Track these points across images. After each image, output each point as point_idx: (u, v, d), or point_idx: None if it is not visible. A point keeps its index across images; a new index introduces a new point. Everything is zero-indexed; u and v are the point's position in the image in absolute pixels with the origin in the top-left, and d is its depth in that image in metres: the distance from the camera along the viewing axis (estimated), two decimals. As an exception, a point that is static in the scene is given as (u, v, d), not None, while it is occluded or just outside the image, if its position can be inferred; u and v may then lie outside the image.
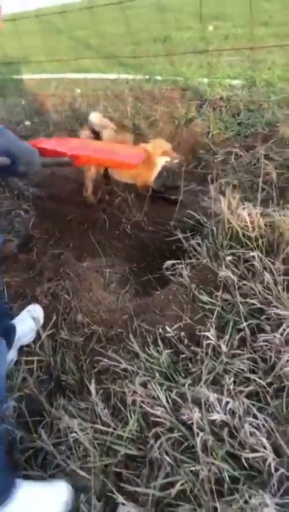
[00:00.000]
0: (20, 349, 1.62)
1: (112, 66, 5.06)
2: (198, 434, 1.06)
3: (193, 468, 1.04)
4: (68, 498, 1.15)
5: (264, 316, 1.35)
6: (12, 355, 1.59)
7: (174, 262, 1.61)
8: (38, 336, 1.60)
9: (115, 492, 1.05)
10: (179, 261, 1.65)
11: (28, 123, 3.78)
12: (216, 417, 1.07)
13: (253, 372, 1.23)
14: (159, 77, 3.75)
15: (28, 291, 1.84)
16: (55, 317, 1.66)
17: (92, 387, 1.30)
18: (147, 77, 3.86)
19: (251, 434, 1.04)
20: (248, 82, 3.13)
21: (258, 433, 1.02)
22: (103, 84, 3.97)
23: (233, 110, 2.71)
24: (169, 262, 1.61)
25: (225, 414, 1.08)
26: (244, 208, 1.66)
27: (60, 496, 1.15)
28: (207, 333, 1.28)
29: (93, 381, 1.33)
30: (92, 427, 1.23)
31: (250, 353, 1.27)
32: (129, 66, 4.93)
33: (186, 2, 8.70)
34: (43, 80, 4.86)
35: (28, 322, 1.66)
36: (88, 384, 1.34)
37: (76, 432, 1.19)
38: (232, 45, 4.94)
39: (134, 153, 1.72)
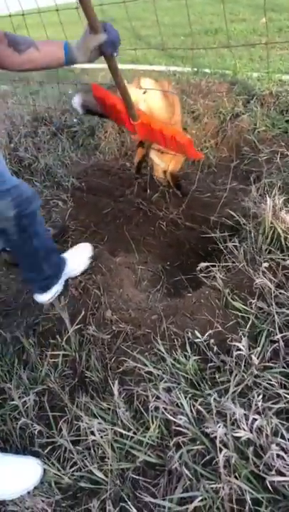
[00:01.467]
0: (66, 282, 1.80)
1: (162, 57, 4.98)
2: (221, 450, 1.01)
3: (213, 486, 0.99)
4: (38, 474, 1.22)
5: (300, 329, 1.27)
6: (59, 287, 1.75)
7: (208, 264, 1.55)
8: (65, 329, 1.58)
9: (129, 504, 1.02)
10: (214, 263, 1.58)
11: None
12: (242, 433, 1.01)
13: (284, 387, 1.15)
14: (207, 70, 3.64)
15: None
16: (83, 312, 1.64)
17: (115, 388, 1.27)
18: (195, 69, 3.76)
19: (278, 456, 0.97)
20: (300, 78, 2.99)
21: (285, 456, 0.95)
22: (150, 76, 3.91)
23: (281, 106, 2.58)
24: (203, 264, 1.55)
25: (251, 431, 1.01)
26: (288, 211, 1.57)
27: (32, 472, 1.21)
28: (238, 344, 1.21)
29: (117, 381, 1.30)
30: (112, 429, 1.21)
31: (283, 367, 1.19)
32: (178, 58, 4.83)
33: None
34: (91, 69, 4.85)
35: (77, 257, 1.84)
36: (112, 384, 1.31)
37: (94, 435, 1.16)
38: (285, 37, 4.74)
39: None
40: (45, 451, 1.26)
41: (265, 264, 1.41)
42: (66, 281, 1.80)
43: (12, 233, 1.46)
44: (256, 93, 2.78)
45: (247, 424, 1.03)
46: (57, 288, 1.74)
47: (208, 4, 7.59)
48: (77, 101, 1.90)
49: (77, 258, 1.85)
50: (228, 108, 2.71)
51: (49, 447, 1.27)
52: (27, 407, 1.37)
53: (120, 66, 1.41)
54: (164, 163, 2.09)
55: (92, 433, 1.19)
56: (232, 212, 1.83)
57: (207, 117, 2.71)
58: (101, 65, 1.63)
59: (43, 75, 4.24)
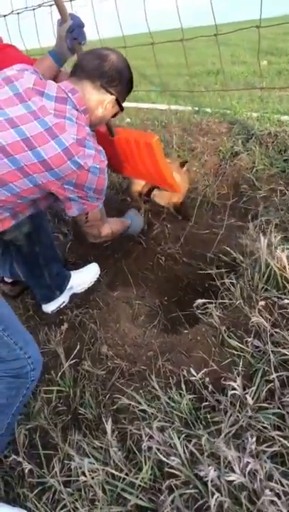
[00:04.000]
0: (72, 297, 1.94)
1: (164, 96, 5.15)
2: (213, 494, 0.98)
3: (205, 533, 0.96)
4: None
5: (296, 369, 1.25)
6: (64, 298, 1.88)
7: (205, 301, 1.55)
8: (61, 364, 1.57)
9: None
10: (211, 300, 1.58)
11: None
12: (234, 477, 0.98)
13: (279, 429, 1.13)
14: (208, 110, 3.76)
15: (55, 317, 1.84)
16: (79, 346, 1.64)
17: (108, 427, 1.24)
18: (196, 108, 3.88)
19: (272, 502, 0.95)
20: (298, 119, 3.07)
21: (279, 502, 0.93)
22: (152, 115, 4.02)
23: (280, 146, 2.65)
24: (199, 301, 1.55)
25: (244, 476, 0.99)
26: (284, 250, 1.58)
27: None
28: (233, 383, 1.20)
29: (110, 420, 1.28)
30: (104, 469, 1.18)
31: (278, 408, 1.18)
32: (180, 97, 4.99)
33: (244, 37, 8.85)
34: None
35: (83, 275, 1.95)
36: (105, 422, 1.29)
37: (86, 476, 1.13)
38: (285, 80, 4.92)
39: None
40: (35, 492, 1.23)
41: (262, 303, 1.41)
42: (71, 297, 1.93)
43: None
44: (255, 133, 2.85)
45: (240, 467, 1.01)
46: (62, 299, 1.85)
47: (211, 47, 7.91)
48: None
49: (84, 275, 1.95)
50: (227, 147, 2.78)
51: (39, 487, 1.24)
52: (18, 444, 1.34)
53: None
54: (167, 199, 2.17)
55: (84, 474, 1.16)
56: (229, 249, 1.85)
57: (207, 155, 2.77)
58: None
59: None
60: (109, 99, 1.37)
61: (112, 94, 1.36)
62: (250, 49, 7.59)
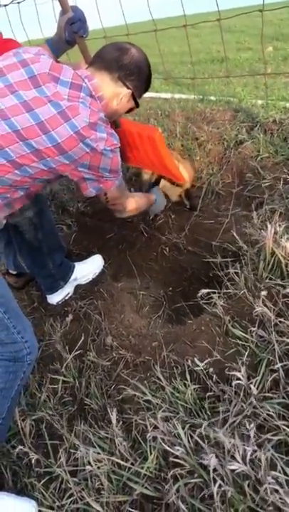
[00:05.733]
0: (76, 288, 1.95)
1: (168, 85, 5.09)
2: (215, 483, 0.98)
3: (210, 521, 0.97)
4: None
5: (301, 358, 1.25)
6: (68, 290, 1.90)
7: (209, 291, 1.54)
8: (65, 356, 1.58)
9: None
10: (215, 290, 1.58)
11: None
12: (236, 466, 0.98)
13: (283, 418, 1.13)
14: (212, 98, 3.71)
15: (60, 308, 1.84)
16: (84, 337, 1.64)
17: (114, 417, 1.25)
18: (201, 97, 3.83)
19: (275, 490, 0.95)
20: (304, 105, 3.02)
21: (281, 491, 0.93)
22: (156, 104, 3.98)
23: (285, 133, 2.61)
24: (203, 291, 1.54)
25: (246, 464, 0.99)
26: (288, 239, 1.57)
27: None
28: (237, 373, 1.20)
29: (115, 410, 1.28)
30: (109, 459, 1.19)
31: (283, 398, 1.17)
32: (184, 85, 4.94)
33: (250, 24, 8.70)
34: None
35: (88, 266, 1.96)
36: (110, 412, 1.29)
37: (92, 465, 1.14)
38: (290, 66, 4.84)
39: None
40: (42, 482, 1.24)
41: (264, 292, 1.40)
42: (75, 288, 1.95)
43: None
44: (260, 120, 2.81)
45: (244, 455, 1.01)
46: (67, 291, 1.87)
47: (216, 33, 7.78)
48: None
49: (88, 266, 1.96)
50: (231, 135, 2.75)
51: (47, 477, 1.26)
52: (25, 435, 1.36)
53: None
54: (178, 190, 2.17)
55: (90, 463, 1.17)
56: (234, 239, 1.83)
57: (211, 144, 2.74)
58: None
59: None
60: (125, 92, 1.36)
61: (128, 88, 1.35)
62: (256, 35, 7.46)
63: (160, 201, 1.97)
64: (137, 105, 1.45)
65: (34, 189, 1.38)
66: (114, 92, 1.34)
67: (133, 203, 1.63)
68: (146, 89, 1.46)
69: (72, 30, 1.45)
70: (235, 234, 1.91)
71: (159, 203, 1.95)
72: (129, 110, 1.47)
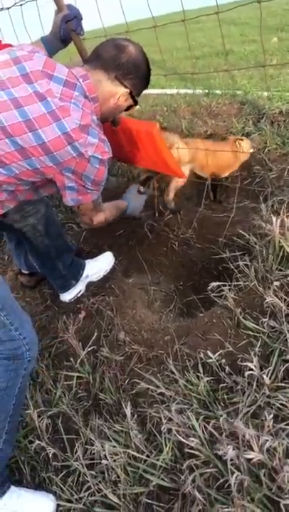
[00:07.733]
0: (88, 285, 1.96)
1: (173, 81, 5.08)
2: (233, 473, 0.99)
3: (227, 510, 0.97)
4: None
5: (313, 348, 1.25)
6: (80, 287, 1.91)
7: (219, 283, 1.55)
8: (79, 352, 1.59)
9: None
10: (225, 283, 1.58)
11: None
12: (252, 455, 0.99)
13: (297, 408, 1.13)
14: (218, 91, 3.70)
15: (72, 305, 1.86)
16: (97, 333, 1.66)
17: (128, 411, 1.27)
18: (206, 91, 3.82)
19: (292, 478, 0.95)
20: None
21: (298, 479, 0.93)
22: (162, 100, 3.98)
23: (292, 125, 2.60)
24: (214, 284, 1.55)
25: (262, 453, 1.00)
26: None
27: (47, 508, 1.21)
28: (250, 364, 1.20)
29: (129, 404, 1.30)
30: (125, 452, 1.20)
31: (296, 387, 1.18)
32: (189, 80, 4.92)
33: (253, 15, 8.63)
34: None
35: (99, 263, 1.98)
36: (124, 406, 1.31)
37: (108, 458, 1.16)
38: (296, 57, 4.80)
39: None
40: (60, 476, 1.26)
41: (276, 283, 1.40)
42: (87, 286, 1.95)
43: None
44: (266, 112, 2.80)
45: (259, 445, 1.02)
46: (79, 288, 1.89)
47: (218, 27, 7.72)
48: None
49: (99, 264, 1.97)
50: (238, 128, 2.74)
51: (64, 471, 1.28)
52: (41, 430, 1.38)
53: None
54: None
55: (106, 457, 1.19)
56: (243, 232, 1.83)
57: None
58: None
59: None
60: (122, 91, 1.32)
61: (126, 87, 1.32)
62: (260, 27, 7.40)
63: (134, 205, 1.88)
64: (136, 103, 1.41)
65: (22, 195, 1.34)
66: (111, 92, 1.31)
67: (101, 216, 1.58)
68: (144, 87, 1.42)
69: (67, 28, 1.44)
70: (243, 227, 1.92)
71: (133, 208, 1.86)
72: (128, 108, 1.44)
